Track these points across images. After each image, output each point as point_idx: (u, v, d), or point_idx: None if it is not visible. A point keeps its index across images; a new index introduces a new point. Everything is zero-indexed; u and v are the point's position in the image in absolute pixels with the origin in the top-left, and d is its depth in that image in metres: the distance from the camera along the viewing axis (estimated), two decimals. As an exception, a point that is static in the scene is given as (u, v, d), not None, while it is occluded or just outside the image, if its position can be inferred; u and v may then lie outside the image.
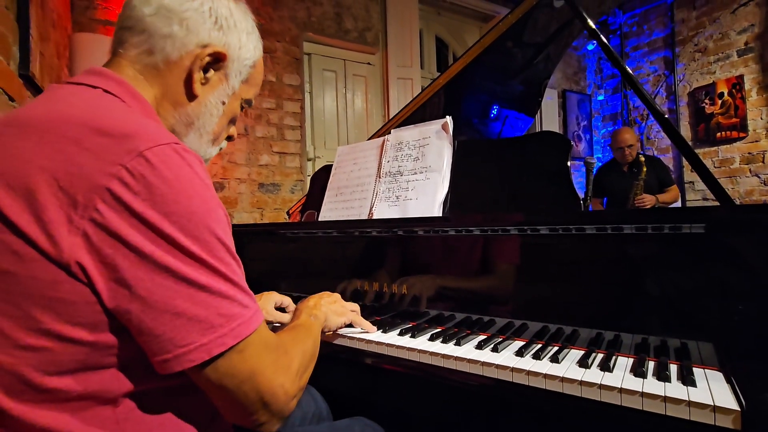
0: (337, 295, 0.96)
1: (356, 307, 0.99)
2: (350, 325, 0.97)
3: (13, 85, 1.36)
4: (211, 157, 0.72)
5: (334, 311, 0.90)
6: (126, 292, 0.45)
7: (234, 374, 0.49)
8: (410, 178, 1.20)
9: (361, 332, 0.96)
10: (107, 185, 0.44)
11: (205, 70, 0.63)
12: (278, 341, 0.57)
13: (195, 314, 0.47)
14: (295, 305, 1.07)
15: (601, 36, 1.22)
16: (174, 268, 0.46)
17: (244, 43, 0.66)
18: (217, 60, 0.63)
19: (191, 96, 0.63)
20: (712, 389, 0.60)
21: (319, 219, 1.35)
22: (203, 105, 0.65)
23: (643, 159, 2.94)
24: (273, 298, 1.09)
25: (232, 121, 0.72)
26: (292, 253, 1.35)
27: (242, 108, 0.72)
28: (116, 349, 0.48)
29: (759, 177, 3.93)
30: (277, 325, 1.05)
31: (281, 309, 1.12)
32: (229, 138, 0.75)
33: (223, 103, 0.67)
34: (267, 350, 0.53)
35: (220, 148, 0.74)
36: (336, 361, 0.95)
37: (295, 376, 0.56)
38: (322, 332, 0.83)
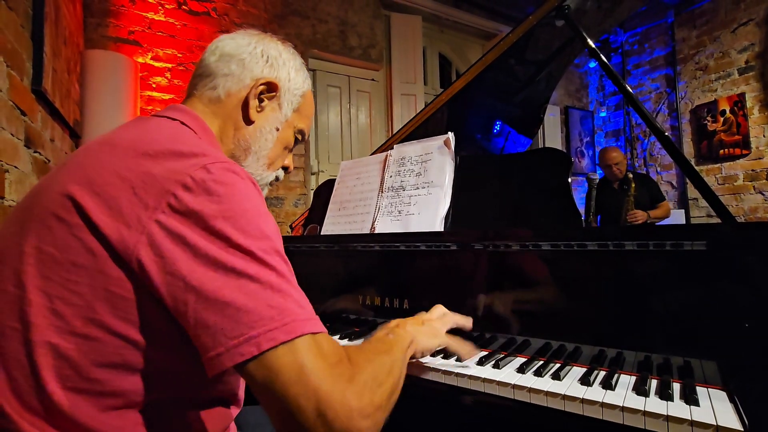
0: (429, 316, 0.81)
1: (448, 318, 0.82)
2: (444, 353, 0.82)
3: (25, 100, 1.39)
4: (266, 181, 0.79)
5: (423, 332, 0.75)
6: (181, 284, 0.48)
7: (282, 373, 0.46)
8: (412, 192, 1.21)
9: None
10: (173, 191, 0.50)
11: (260, 100, 0.73)
12: (341, 350, 0.53)
13: (243, 304, 0.47)
14: None
15: (601, 55, 1.24)
16: (224, 260, 0.49)
17: (293, 77, 0.76)
18: (270, 90, 0.73)
19: (248, 121, 0.73)
20: (716, 409, 0.60)
21: (322, 233, 1.36)
22: (259, 130, 0.74)
23: (631, 176, 3.07)
24: None
25: (287, 149, 0.81)
26: (294, 267, 1.35)
27: (296, 139, 0.81)
28: (152, 351, 0.51)
29: (763, 194, 3.91)
30: None
31: None
32: (285, 169, 0.83)
33: (277, 129, 0.76)
34: (323, 354, 0.49)
35: (277, 178, 0.82)
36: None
37: (363, 387, 0.49)
38: (413, 358, 0.71)
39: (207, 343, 0.47)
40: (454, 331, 0.81)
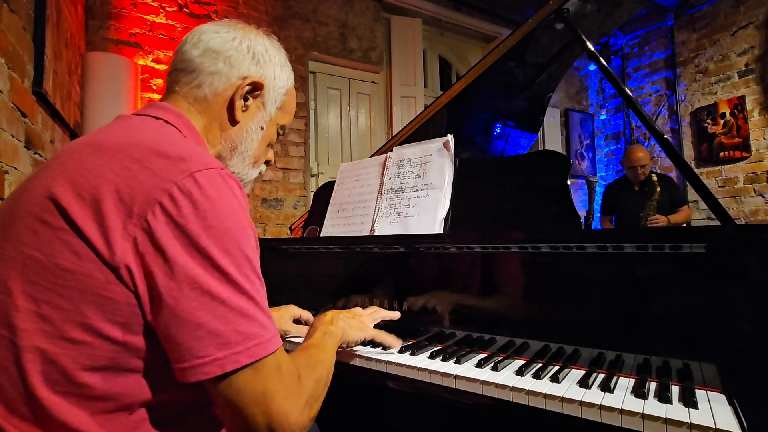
0: (358, 310, 0.94)
1: (377, 314, 0.95)
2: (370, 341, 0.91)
3: (26, 101, 1.39)
4: (251, 178, 0.79)
5: (352, 326, 0.86)
6: (158, 299, 0.49)
7: (245, 393, 0.50)
8: (411, 195, 1.21)
9: (359, 348, 0.95)
10: (159, 199, 0.50)
11: (245, 99, 0.71)
12: (293, 367, 0.57)
13: (214, 328, 0.49)
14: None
15: (600, 58, 1.25)
16: (201, 280, 0.50)
17: (278, 74, 0.75)
18: (255, 89, 0.72)
19: (233, 121, 0.72)
20: (714, 411, 0.60)
21: (321, 235, 1.36)
22: (244, 130, 0.73)
23: (655, 178, 2.87)
24: (291, 311, 1.10)
25: (270, 146, 0.80)
26: (293, 269, 1.35)
27: (278, 134, 0.81)
28: (143, 353, 0.51)
29: (763, 196, 3.91)
30: (293, 339, 1.04)
31: (298, 322, 1.11)
32: (267, 162, 0.82)
33: (262, 129, 0.75)
34: (280, 375, 0.53)
35: (260, 172, 0.81)
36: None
37: (305, 405, 0.55)
38: (339, 347, 0.80)
39: (175, 356, 0.50)
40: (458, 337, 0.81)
